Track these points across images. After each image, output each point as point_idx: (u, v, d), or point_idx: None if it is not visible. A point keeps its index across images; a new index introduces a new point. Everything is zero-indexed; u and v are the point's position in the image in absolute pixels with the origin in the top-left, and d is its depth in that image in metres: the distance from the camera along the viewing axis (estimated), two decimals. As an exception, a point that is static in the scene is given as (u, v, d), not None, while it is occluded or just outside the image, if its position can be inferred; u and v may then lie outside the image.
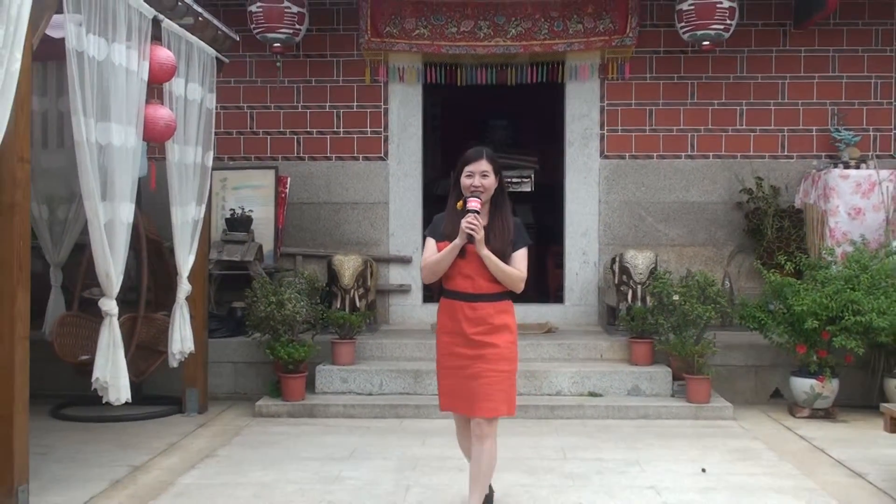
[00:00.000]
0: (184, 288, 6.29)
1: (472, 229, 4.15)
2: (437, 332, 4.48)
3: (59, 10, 4.55)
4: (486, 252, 4.20)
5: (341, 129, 8.86)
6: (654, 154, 8.71)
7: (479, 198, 4.23)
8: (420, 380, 7.21)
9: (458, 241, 4.22)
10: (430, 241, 4.40)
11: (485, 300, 4.30)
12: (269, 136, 8.89)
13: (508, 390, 4.30)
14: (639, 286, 7.66)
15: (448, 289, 4.39)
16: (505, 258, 4.25)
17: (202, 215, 6.59)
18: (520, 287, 4.32)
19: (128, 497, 4.92)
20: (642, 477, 5.32)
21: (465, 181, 4.29)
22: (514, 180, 11.96)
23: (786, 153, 8.65)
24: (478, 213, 4.19)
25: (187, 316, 6.30)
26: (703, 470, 5.42)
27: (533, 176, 12.34)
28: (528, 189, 12.34)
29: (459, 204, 4.29)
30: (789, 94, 8.64)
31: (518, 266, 4.31)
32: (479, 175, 4.26)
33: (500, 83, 8.81)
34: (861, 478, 5.37)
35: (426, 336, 7.79)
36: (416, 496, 4.92)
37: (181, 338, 6.17)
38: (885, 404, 5.27)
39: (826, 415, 6.88)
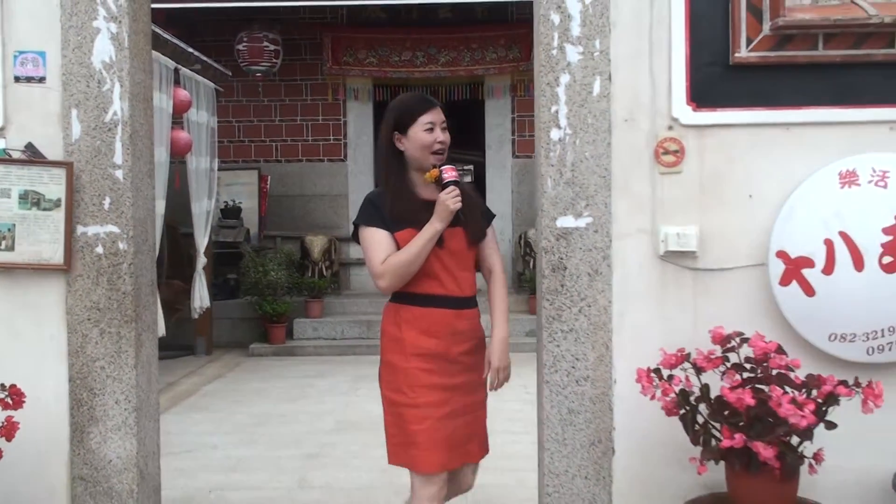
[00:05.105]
0: (200, 260, 8.46)
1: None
2: (398, 353, 3.08)
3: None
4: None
5: (310, 138, 11.22)
6: (554, 154, 11.10)
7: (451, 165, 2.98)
8: (371, 328, 9.62)
9: (439, 225, 2.92)
10: (379, 233, 2.96)
11: (473, 306, 3.11)
12: (252, 144, 11.23)
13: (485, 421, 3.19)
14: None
15: (421, 293, 3.01)
16: (482, 241, 3.12)
17: (212, 207, 8.89)
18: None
19: (170, 397, 7.33)
20: (519, 381, 7.74)
21: (424, 137, 2.97)
22: (462, 171, 14.20)
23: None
24: (457, 184, 2.94)
25: (204, 281, 8.56)
26: (562, 377, 7.88)
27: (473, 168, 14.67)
28: (470, 180, 14.70)
29: (432, 174, 2.98)
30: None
31: (496, 254, 3.19)
32: (439, 127, 3.00)
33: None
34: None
35: (377, 297, 10.21)
36: (364, 392, 7.37)
37: (200, 296, 8.37)
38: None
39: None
